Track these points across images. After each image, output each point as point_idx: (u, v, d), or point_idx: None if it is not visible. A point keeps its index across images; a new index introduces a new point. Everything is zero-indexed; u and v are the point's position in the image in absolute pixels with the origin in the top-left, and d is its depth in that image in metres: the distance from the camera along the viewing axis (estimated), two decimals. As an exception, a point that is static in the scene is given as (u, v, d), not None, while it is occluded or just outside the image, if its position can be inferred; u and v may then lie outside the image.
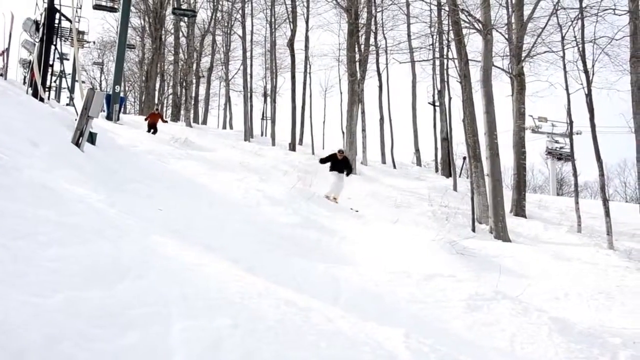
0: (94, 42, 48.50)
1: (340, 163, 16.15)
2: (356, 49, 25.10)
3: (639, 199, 14.58)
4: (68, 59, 37.95)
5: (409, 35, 31.33)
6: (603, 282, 10.35)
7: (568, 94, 19.61)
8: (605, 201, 16.48)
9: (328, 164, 16.49)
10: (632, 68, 15.24)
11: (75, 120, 9.63)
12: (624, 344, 6.46)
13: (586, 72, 17.56)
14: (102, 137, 11.09)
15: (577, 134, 28.66)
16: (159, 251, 5.00)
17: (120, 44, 24.26)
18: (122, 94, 26.77)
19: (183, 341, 3.41)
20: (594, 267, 11.76)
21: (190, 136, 22.20)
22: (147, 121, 23.85)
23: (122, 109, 27.31)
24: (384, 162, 32.03)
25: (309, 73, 34.52)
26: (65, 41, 31.22)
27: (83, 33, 37.35)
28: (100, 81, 58.32)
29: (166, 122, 25.12)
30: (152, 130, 22.76)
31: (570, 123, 20.90)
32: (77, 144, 9.09)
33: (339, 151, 16.57)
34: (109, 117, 22.63)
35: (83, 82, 47.72)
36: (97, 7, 31.10)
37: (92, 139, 10.21)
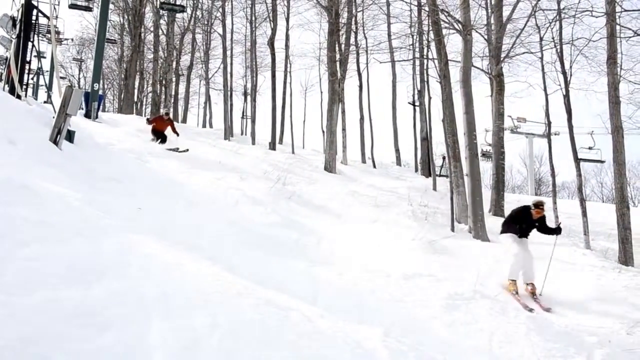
0: (72, 40, 48.02)
1: (533, 224, 10.02)
2: (336, 49, 25.09)
3: (615, 199, 14.79)
4: (45, 57, 37.54)
5: (389, 35, 31.43)
6: (580, 281, 10.45)
7: (546, 95, 19.77)
8: (583, 201, 16.65)
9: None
10: (609, 69, 15.40)
11: (53, 118, 9.52)
12: (600, 343, 6.54)
13: (564, 73, 17.73)
14: (81, 135, 10.98)
15: (555, 134, 28.88)
16: (138, 250, 4.97)
17: (99, 42, 24.01)
18: (100, 92, 26.52)
19: (161, 341, 3.39)
20: (571, 266, 11.87)
21: (170, 135, 22.05)
22: (151, 125, 19.89)
23: (101, 107, 27.01)
24: (364, 161, 32.09)
25: (290, 72, 34.50)
26: (42, 38, 30.85)
27: (59, 33, 36.98)
28: (79, 78, 57.77)
29: (178, 134, 19.67)
30: (159, 140, 19.10)
31: (549, 124, 21.08)
32: (55, 142, 9.00)
33: (537, 205, 9.84)
34: (87, 115, 22.38)
35: (63, 77, 47.24)
36: (72, 6, 31.07)
37: (70, 137, 10.11)
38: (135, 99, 42.17)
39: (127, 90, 39.71)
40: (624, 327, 7.69)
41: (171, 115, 21.90)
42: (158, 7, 30.18)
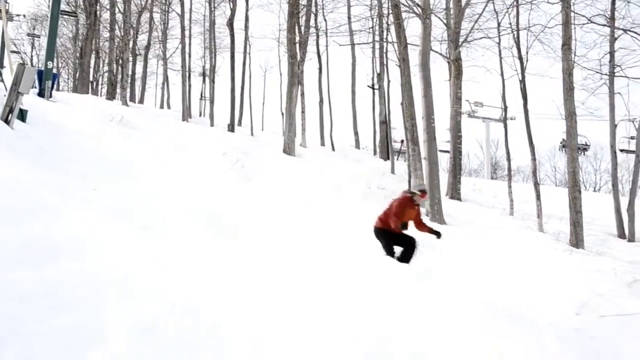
0: (24, 15, 46.68)
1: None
2: (296, 31, 24.97)
3: (567, 183, 15.17)
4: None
5: (349, 18, 31.37)
6: (533, 263, 10.69)
7: (503, 80, 20.09)
8: (536, 185, 17.02)
9: None
10: (563, 55, 15.67)
11: (5, 96, 9.29)
12: (550, 324, 6.70)
13: (520, 58, 18.01)
14: (34, 114, 10.74)
15: (512, 119, 29.32)
16: (94, 232, 4.90)
17: (53, 19, 23.38)
18: (55, 71, 25.88)
19: (119, 324, 3.36)
20: (524, 249, 12.13)
21: (127, 115, 21.65)
22: (394, 217, 8.48)
23: (55, 86, 26.36)
24: (323, 144, 32.11)
25: (249, 53, 34.13)
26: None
27: (8, 11, 35.92)
28: (32, 56, 56.25)
29: (438, 234, 8.77)
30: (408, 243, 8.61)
31: (505, 108, 21.41)
32: (6, 121, 8.79)
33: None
34: (41, 94, 21.83)
35: (16, 52, 45.88)
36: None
37: (22, 116, 9.89)
38: (91, 78, 41.30)
39: (82, 70, 38.84)
40: (572, 307, 7.90)
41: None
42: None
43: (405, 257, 8.48)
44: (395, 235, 8.62)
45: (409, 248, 8.53)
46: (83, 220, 5.14)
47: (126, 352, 3.13)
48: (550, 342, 5.79)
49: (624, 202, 17.03)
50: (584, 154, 37.31)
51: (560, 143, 30.90)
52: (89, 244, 4.43)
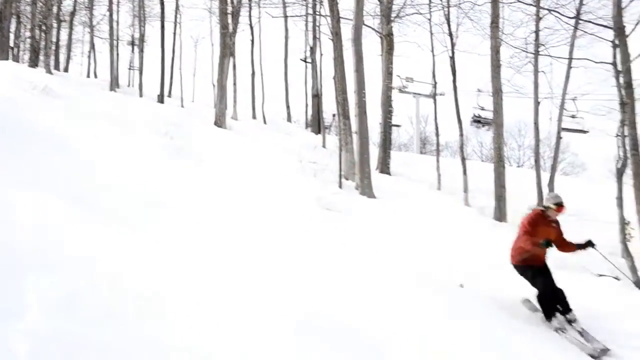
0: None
1: None
2: (228, 1, 24.56)
3: (493, 158, 15.68)
4: None
5: (282, -11, 31.11)
6: (459, 236, 10.99)
7: (433, 56, 20.38)
8: (463, 160, 17.46)
9: None
10: (492, 33, 16.02)
11: None
12: (469, 291, 6.94)
13: (450, 35, 18.33)
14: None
15: (441, 95, 29.75)
16: (11, 203, 4.73)
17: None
18: (-29, 35, 24.64)
19: (38, 297, 3.27)
20: (450, 222, 12.45)
21: (51, 84, 20.82)
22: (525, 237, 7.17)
23: (-28, 51, 25.11)
24: (254, 117, 31.89)
25: (180, 23, 33.45)
26: None
27: None
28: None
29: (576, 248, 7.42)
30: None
31: (435, 84, 21.78)
32: None
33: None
34: (-45, 60, 20.79)
35: None
36: None
37: (-64, 82, 9.40)
38: (12, 44, 39.50)
39: (1, 34, 37.12)
40: (488, 277, 8.18)
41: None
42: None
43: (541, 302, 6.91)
44: (533, 268, 7.10)
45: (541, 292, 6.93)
46: None
47: (46, 327, 3.04)
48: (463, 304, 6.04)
49: (545, 177, 17.65)
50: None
51: (472, 118, 31.40)
52: (4, 216, 4.27)
